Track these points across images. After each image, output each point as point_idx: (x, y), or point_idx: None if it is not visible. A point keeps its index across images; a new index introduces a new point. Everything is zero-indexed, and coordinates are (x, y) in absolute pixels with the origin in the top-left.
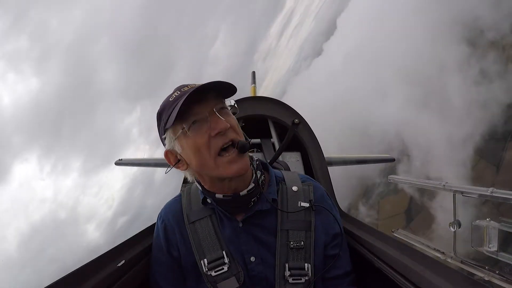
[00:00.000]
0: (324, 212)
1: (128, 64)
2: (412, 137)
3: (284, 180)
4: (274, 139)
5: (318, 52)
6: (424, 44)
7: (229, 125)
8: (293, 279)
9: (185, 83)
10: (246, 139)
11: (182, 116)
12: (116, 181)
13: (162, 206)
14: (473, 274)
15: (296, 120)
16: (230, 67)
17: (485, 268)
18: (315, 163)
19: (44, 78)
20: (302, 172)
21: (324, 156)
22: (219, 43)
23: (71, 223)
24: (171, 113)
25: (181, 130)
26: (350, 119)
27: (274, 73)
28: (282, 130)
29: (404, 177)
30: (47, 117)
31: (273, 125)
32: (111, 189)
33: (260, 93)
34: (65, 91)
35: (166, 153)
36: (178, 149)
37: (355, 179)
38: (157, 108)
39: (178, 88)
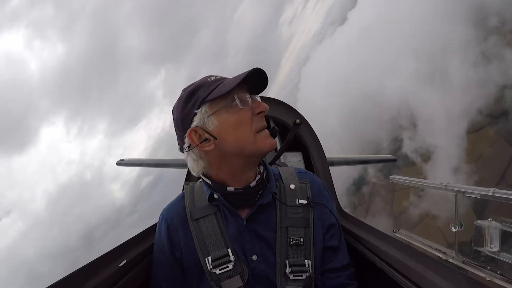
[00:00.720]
0: (321, 204)
1: (152, 28)
2: (419, 107)
3: (281, 178)
4: (276, 139)
5: (343, 20)
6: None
7: (268, 108)
8: (294, 276)
9: (211, 74)
10: None
11: (224, 94)
12: (140, 142)
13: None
14: (475, 274)
15: (298, 120)
16: (255, 30)
17: (486, 269)
18: (316, 164)
19: (70, 43)
20: None
21: (326, 156)
22: (244, 5)
23: (96, 183)
24: (215, 88)
25: (223, 104)
26: (363, 90)
27: (299, 38)
28: (283, 130)
29: (405, 177)
30: (73, 82)
31: (275, 125)
32: (135, 149)
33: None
34: (90, 55)
35: (190, 132)
36: (211, 125)
37: None
38: (182, 70)
39: (211, 76)
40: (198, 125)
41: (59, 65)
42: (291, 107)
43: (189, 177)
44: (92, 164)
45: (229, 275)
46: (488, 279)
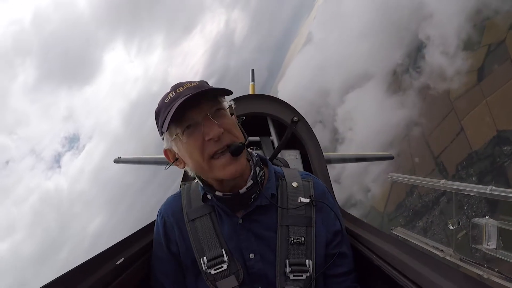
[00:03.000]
0: (325, 209)
1: None
2: None
3: (284, 177)
4: (273, 137)
5: None
6: None
7: (222, 130)
8: (294, 276)
9: (183, 81)
10: (244, 136)
11: (176, 120)
12: (198, 48)
13: None
14: (472, 272)
15: (295, 118)
16: None
17: (484, 266)
18: (314, 161)
19: None
20: (301, 169)
21: (323, 154)
22: None
23: (163, 93)
24: (166, 116)
25: (175, 134)
26: None
27: None
28: (281, 128)
29: (403, 175)
30: (123, 6)
31: (272, 123)
32: (194, 56)
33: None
34: None
35: (165, 151)
36: (175, 149)
37: None
38: None
39: (174, 88)
40: (167, 147)
41: None
42: (289, 104)
43: (186, 176)
44: (156, 77)
45: (224, 275)
46: (485, 276)
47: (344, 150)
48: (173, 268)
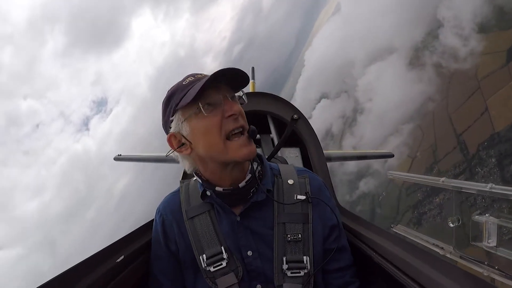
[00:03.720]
0: (321, 205)
1: None
2: None
3: (280, 174)
4: (273, 134)
5: None
6: None
7: (241, 109)
8: (291, 273)
9: (195, 73)
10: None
11: (195, 99)
12: (225, 13)
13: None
14: (473, 269)
15: (295, 116)
16: None
17: (484, 263)
18: (314, 159)
19: None
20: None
21: (323, 151)
22: None
23: (190, 58)
24: (185, 94)
25: (193, 111)
26: None
27: None
28: (281, 125)
29: (403, 173)
30: None
31: (272, 120)
32: (222, 21)
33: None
34: None
35: (169, 137)
36: (185, 131)
37: None
38: None
39: (191, 75)
40: (175, 130)
41: None
42: (289, 102)
43: (185, 175)
44: (183, 42)
45: (223, 272)
46: (485, 274)
47: (364, 120)
48: (171, 266)
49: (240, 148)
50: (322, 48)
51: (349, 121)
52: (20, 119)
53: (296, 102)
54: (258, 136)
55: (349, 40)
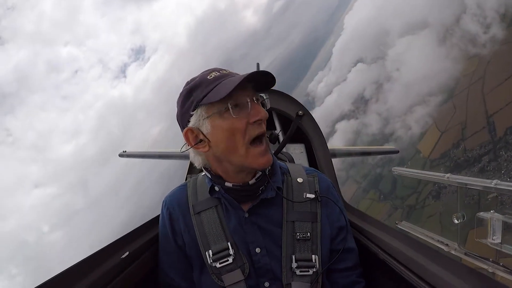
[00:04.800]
0: (330, 205)
1: None
2: None
3: (289, 172)
4: (278, 131)
5: None
6: None
7: (267, 114)
8: (300, 271)
9: (218, 67)
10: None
11: (224, 97)
12: None
13: None
14: (477, 266)
15: (300, 112)
16: None
17: (489, 260)
18: (319, 155)
19: None
20: (306, 163)
21: (328, 148)
22: None
23: (230, 12)
24: (211, 89)
25: (218, 110)
26: None
27: None
28: (286, 122)
29: (407, 169)
30: None
31: (277, 117)
32: None
33: None
34: None
35: (187, 132)
36: (206, 128)
37: None
38: None
39: (215, 70)
40: (194, 126)
41: None
42: (294, 99)
43: (191, 169)
44: None
45: (229, 268)
46: (490, 270)
47: (393, 88)
48: (181, 261)
49: (259, 157)
50: (362, 13)
51: (380, 87)
52: (60, 66)
53: (332, 64)
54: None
55: (387, 9)
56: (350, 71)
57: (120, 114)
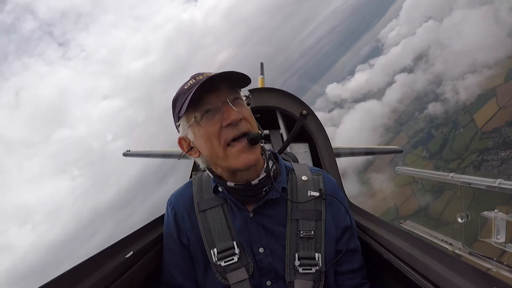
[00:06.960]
0: (335, 204)
1: None
2: None
3: (293, 171)
4: (282, 130)
5: None
6: None
7: (241, 116)
8: (303, 269)
9: (201, 72)
10: (259, 130)
11: (195, 105)
12: None
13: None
14: (481, 266)
15: (304, 112)
16: None
17: (493, 260)
18: (323, 154)
19: None
20: (310, 163)
21: (332, 147)
22: None
23: None
24: (184, 100)
25: (193, 119)
26: None
27: None
28: (290, 121)
29: (411, 168)
30: None
31: (281, 116)
32: None
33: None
34: None
35: (180, 140)
36: (191, 136)
37: None
38: None
39: (194, 76)
40: (182, 135)
41: None
42: (298, 98)
43: (196, 167)
44: None
45: (234, 267)
46: (494, 270)
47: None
48: (184, 260)
49: (239, 155)
50: None
51: (443, 49)
52: None
53: (401, 19)
54: (267, 132)
55: None
56: (421, 25)
57: (188, 37)
